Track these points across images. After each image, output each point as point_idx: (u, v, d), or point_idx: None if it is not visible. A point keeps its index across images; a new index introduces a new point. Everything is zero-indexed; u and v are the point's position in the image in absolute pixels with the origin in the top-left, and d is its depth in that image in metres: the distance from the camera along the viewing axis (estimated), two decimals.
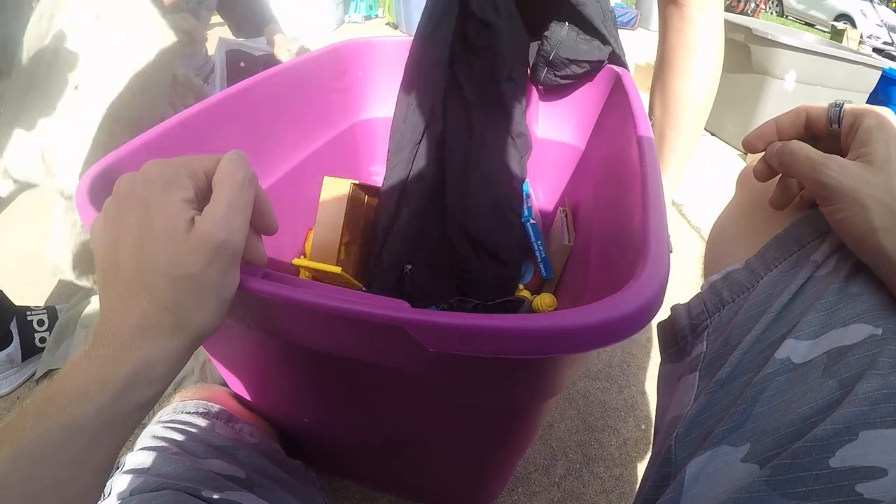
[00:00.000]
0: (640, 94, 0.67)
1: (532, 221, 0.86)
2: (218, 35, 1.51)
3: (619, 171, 0.60)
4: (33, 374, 0.93)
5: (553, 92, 0.87)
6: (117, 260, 0.31)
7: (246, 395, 0.63)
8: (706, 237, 1.44)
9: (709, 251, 0.53)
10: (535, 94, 0.88)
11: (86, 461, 0.28)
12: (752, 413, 0.35)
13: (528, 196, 0.88)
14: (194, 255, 0.30)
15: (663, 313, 0.50)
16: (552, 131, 0.89)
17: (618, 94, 0.74)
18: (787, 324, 0.37)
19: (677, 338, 0.46)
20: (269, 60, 1.40)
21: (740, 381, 0.37)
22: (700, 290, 0.46)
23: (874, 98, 2.05)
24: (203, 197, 0.33)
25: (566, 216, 0.83)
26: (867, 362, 0.32)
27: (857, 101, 0.39)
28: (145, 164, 0.33)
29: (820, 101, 0.39)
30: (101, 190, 0.45)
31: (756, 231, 0.45)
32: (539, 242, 0.86)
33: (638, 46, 3.04)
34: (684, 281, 1.30)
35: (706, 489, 0.35)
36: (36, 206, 1.47)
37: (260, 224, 0.36)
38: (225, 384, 0.67)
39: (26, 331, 0.93)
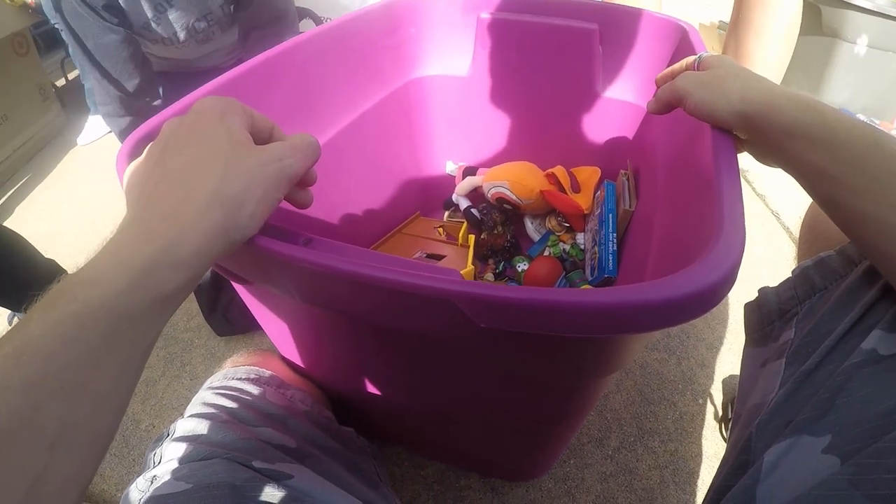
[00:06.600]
0: None
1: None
2: None
3: (687, 135, 0.56)
4: None
5: (616, 49, 0.82)
6: (163, 174, 0.30)
7: (296, 362, 0.63)
8: (771, 206, 1.36)
9: (804, 233, 0.53)
10: (597, 51, 0.83)
11: (98, 362, 0.24)
12: (834, 403, 0.34)
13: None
14: (256, 155, 0.31)
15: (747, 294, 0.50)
16: (615, 90, 0.84)
17: (685, 52, 0.69)
18: (877, 313, 0.36)
19: (763, 322, 0.46)
20: None
21: (826, 370, 0.37)
22: (791, 275, 0.46)
23: None
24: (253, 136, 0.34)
25: (628, 180, 0.79)
26: None
27: None
28: (194, 104, 0.33)
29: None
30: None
31: None
32: (614, 234, 0.80)
33: (704, 5, 2.87)
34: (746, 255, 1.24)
35: (784, 479, 0.34)
36: (97, 170, 1.51)
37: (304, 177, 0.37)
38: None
39: None
